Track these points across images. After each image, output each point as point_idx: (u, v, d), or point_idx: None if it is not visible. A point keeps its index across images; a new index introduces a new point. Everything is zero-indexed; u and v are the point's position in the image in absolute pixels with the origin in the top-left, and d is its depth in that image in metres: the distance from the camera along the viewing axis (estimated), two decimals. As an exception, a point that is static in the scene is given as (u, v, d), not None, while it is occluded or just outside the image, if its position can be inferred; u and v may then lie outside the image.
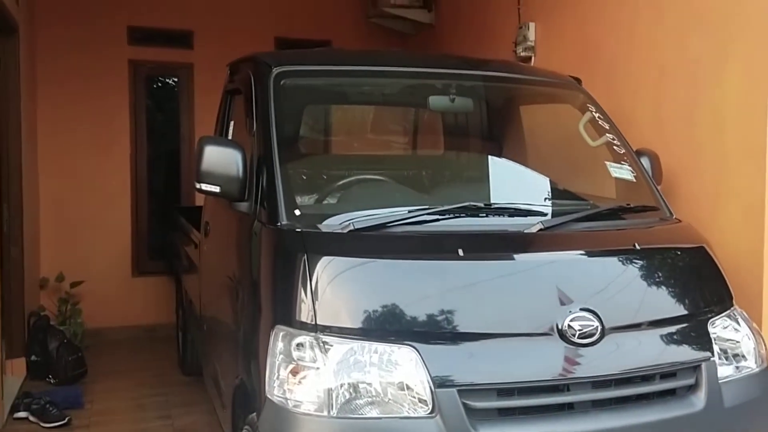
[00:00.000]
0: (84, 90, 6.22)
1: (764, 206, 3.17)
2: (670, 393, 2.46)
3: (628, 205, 2.98)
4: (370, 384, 2.20)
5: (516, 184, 3.25)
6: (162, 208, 6.62)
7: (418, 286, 2.35)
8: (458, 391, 2.19)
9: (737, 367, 2.60)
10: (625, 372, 2.38)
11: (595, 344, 2.36)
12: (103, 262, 6.28)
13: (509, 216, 2.75)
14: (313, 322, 2.27)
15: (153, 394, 4.90)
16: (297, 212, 2.63)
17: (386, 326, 2.26)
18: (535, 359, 2.31)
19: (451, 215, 2.64)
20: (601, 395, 2.33)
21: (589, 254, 2.60)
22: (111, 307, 6.21)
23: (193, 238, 4.40)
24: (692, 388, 2.48)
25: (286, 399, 2.24)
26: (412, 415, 2.17)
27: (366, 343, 2.23)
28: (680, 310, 2.59)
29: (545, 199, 3.05)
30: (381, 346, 2.23)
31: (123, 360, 5.70)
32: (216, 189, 2.80)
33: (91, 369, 5.25)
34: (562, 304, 2.39)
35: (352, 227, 2.49)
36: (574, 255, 2.59)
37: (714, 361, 2.53)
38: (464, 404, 2.18)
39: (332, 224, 2.55)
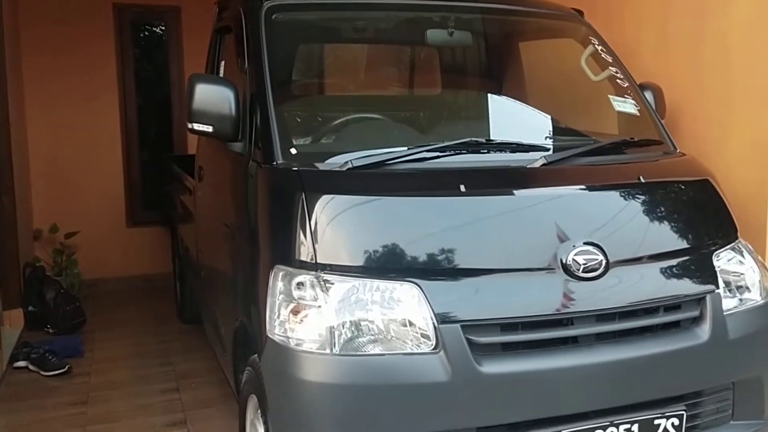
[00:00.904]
0: (69, 37, 6.03)
1: (770, 139, 3.12)
2: (674, 325, 2.44)
3: (631, 139, 2.92)
4: (372, 321, 2.16)
5: (517, 122, 3.17)
6: (154, 157, 6.52)
7: (420, 222, 2.29)
8: (462, 326, 2.16)
9: (741, 300, 2.58)
10: (629, 305, 2.35)
11: (599, 278, 2.32)
12: (96, 213, 6.20)
13: (511, 152, 2.69)
14: (314, 261, 2.23)
15: (153, 342, 4.89)
16: (293, 151, 2.56)
17: (388, 263, 2.21)
18: (539, 294, 2.27)
19: (452, 152, 2.57)
20: (605, 328, 2.31)
21: (593, 188, 2.54)
22: (106, 257, 6.16)
23: (187, 185, 4.32)
24: (696, 320, 2.46)
25: (288, 338, 2.21)
26: (416, 351, 2.14)
27: (368, 281, 2.19)
28: (685, 243, 2.55)
29: (547, 135, 2.98)
30: (383, 283, 2.19)
31: (121, 310, 5.69)
32: (209, 129, 2.71)
33: (89, 319, 5.23)
34: (566, 238, 2.34)
35: (350, 165, 2.42)
36: (578, 189, 2.53)
37: (718, 293, 2.50)
38: (468, 339, 2.15)
39: (330, 163, 2.48)
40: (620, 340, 2.33)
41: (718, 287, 2.51)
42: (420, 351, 2.14)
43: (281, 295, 2.28)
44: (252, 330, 2.53)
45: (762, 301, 2.62)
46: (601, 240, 2.36)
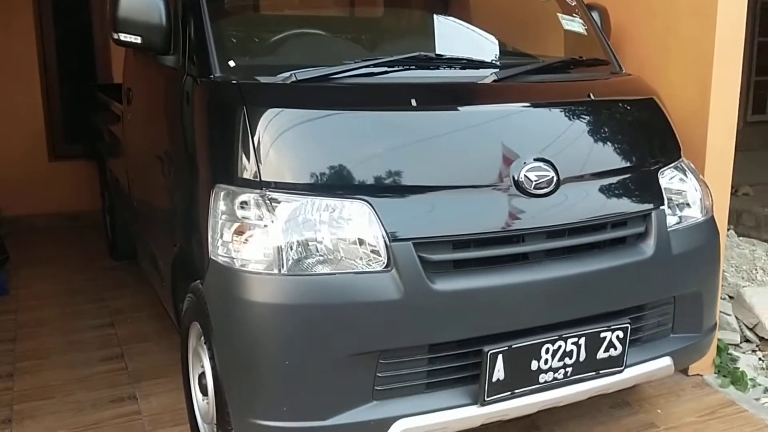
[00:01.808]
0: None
1: (712, 60, 3.13)
2: (621, 241, 2.45)
3: (580, 58, 2.87)
4: (321, 241, 2.08)
5: (463, 41, 3.07)
6: (77, 88, 6.13)
7: (370, 138, 2.20)
8: (414, 244, 2.10)
9: (683, 217, 2.61)
10: (578, 222, 2.35)
11: (550, 195, 2.30)
12: (15, 148, 5.82)
13: (461, 68, 2.61)
14: (258, 179, 2.11)
15: (83, 279, 4.68)
16: (231, 63, 2.41)
17: (337, 181, 2.12)
18: (491, 211, 2.23)
19: (401, 66, 2.47)
20: (555, 245, 2.30)
21: (544, 105, 2.49)
22: (28, 193, 5.82)
23: (115, 111, 4.07)
24: (642, 236, 2.48)
25: (232, 259, 2.11)
26: (367, 269, 2.08)
27: (316, 199, 2.10)
28: (632, 161, 2.55)
29: (495, 54, 2.90)
30: (332, 201, 2.10)
31: (47, 247, 5.42)
32: (137, 39, 2.52)
33: (13, 257, 4.96)
34: (518, 155, 2.30)
35: (294, 79, 2.29)
36: (529, 106, 2.47)
37: (663, 210, 2.53)
38: (420, 257, 2.10)
39: (272, 76, 2.34)
40: (569, 257, 2.33)
41: (663, 204, 2.53)
42: (371, 270, 2.08)
43: (224, 216, 2.16)
44: (193, 255, 2.41)
45: (702, 219, 2.66)
46: (552, 156, 2.33)
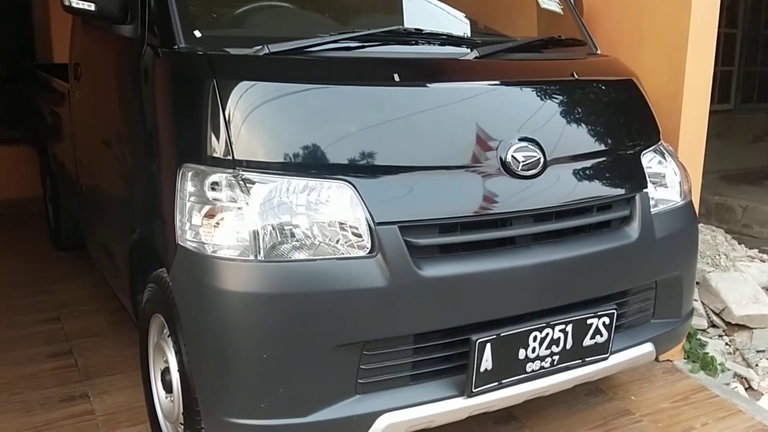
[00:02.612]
0: None
1: (686, 46, 3.09)
2: (606, 225, 2.38)
3: (559, 37, 2.78)
4: (300, 225, 1.93)
5: (439, 18, 2.94)
6: (13, 68, 5.77)
7: (350, 115, 2.06)
8: (399, 227, 1.98)
9: (663, 200, 2.56)
10: (565, 205, 2.26)
11: (537, 177, 2.20)
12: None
13: (440, 45, 2.48)
14: (230, 158, 1.95)
15: (25, 271, 4.39)
16: (197, 34, 2.22)
17: (316, 160, 1.97)
18: (478, 193, 2.12)
19: (379, 41, 2.33)
20: (542, 228, 2.20)
21: (530, 83, 2.39)
22: (-39, 181, 5.47)
23: (59, 90, 3.80)
24: (626, 220, 2.41)
25: (203, 244, 1.94)
26: (350, 255, 1.94)
27: (294, 180, 1.95)
28: (615, 143, 2.48)
29: (471, 32, 2.79)
30: (312, 182, 1.96)
31: (-17, 238, 5.08)
32: (90, 6, 2.31)
33: (-54, 248, 4.63)
34: (505, 134, 2.20)
35: (267, 50, 2.12)
36: (515, 84, 2.37)
37: (647, 193, 2.47)
38: (406, 242, 1.98)
39: (242, 48, 2.17)
40: (555, 241, 2.24)
41: (646, 187, 2.47)
42: (355, 255, 1.94)
43: (192, 198, 1.99)
44: (155, 241, 2.23)
45: (682, 202, 2.62)
46: (538, 137, 2.24)
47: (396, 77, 2.13)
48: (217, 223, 1.94)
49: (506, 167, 2.15)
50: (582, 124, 2.41)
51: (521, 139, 2.20)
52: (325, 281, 1.92)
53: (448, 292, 2.02)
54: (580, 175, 2.34)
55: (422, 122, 2.12)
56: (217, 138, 1.97)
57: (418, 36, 2.44)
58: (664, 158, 2.65)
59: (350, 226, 1.96)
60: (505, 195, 2.15)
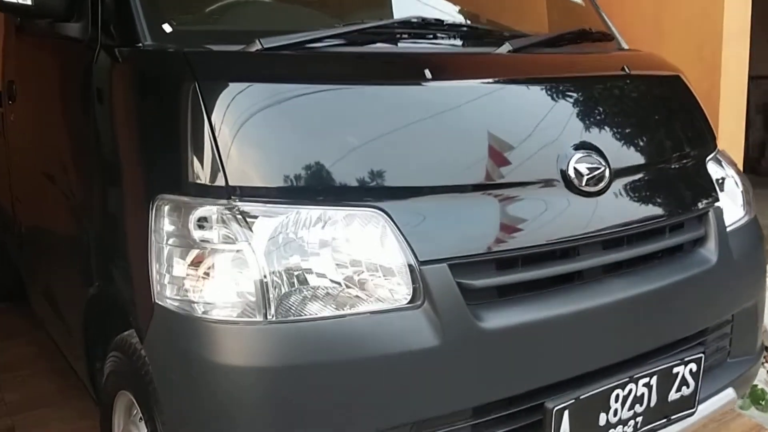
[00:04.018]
0: None
1: (721, 39, 2.74)
2: (678, 249, 1.96)
3: (590, 29, 2.37)
4: (319, 270, 1.44)
5: (445, 10, 2.50)
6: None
7: (378, 121, 1.58)
8: (450, 266, 1.50)
9: (730, 216, 2.16)
10: (636, 226, 1.82)
11: (602, 192, 1.77)
12: None
13: (461, 38, 2.04)
14: (222, 184, 1.45)
15: (-47, 329, 3.75)
16: (166, 28, 1.72)
17: (336, 182, 1.49)
18: (539, 216, 1.67)
19: (391, 34, 1.87)
20: (614, 257, 1.76)
21: (578, 80, 1.96)
22: None
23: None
24: (700, 241, 1.99)
25: (191, 303, 1.43)
26: (389, 306, 1.46)
27: (308, 209, 1.46)
28: (680, 149, 2.07)
29: (489, 23, 2.37)
30: (333, 212, 1.47)
31: None
32: (26, 1, 1.79)
33: None
34: (561, 142, 1.76)
35: (260, 46, 1.64)
36: (562, 81, 1.93)
37: (720, 207, 2.06)
38: (459, 284, 1.50)
39: (225, 44, 1.69)
40: (628, 272, 1.80)
41: (718, 200, 2.06)
42: (395, 306, 1.46)
43: (172, 240, 1.48)
44: (120, 297, 1.71)
45: (748, 217, 2.22)
46: (600, 144, 1.81)
47: (427, 73, 1.67)
48: (208, 273, 1.43)
49: (568, 182, 1.71)
50: (643, 127, 1.99)
51: (581, 147, 1.77)
52: (359, 345, 1.43)
53: (516, 346, 1.56)
54: (648, 189, 1.91)
55: (464, 129, 1.66)
56: (203, 159, 1.47)
57: (437, 28, 1.99)
58: (723, 166, 2.25)
59: (386, 268, 1.47)
60: (570, 217, 1.71)
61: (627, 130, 1.93)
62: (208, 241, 1.44)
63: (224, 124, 1.47)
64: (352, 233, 1.47)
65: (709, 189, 2.06)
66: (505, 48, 1.97)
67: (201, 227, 1.45)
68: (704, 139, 2.20)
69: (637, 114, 2.00)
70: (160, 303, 1.47)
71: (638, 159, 1.91)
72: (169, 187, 1.51)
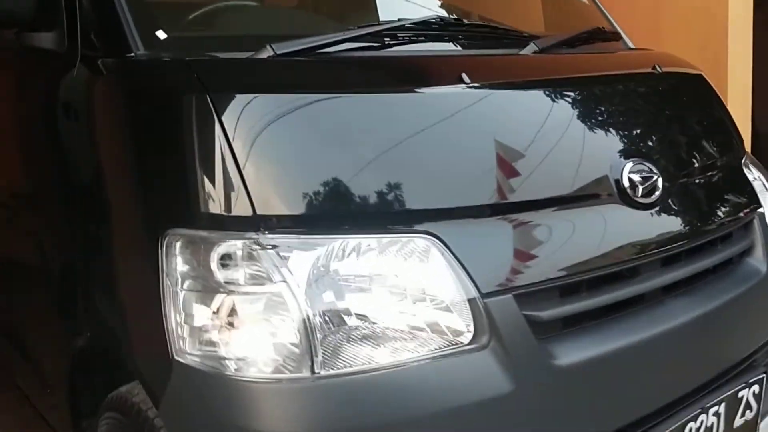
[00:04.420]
0: None
1: (726, 32, 2.64)
2: (729, 262, 1.81)
3: (602, 29, 2.22)
4: (372, 307, 1.23)
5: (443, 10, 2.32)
6: None
7: (419, 132, 1.37)
8: (515, 296, 1.31)
9: None
10: (690, 239, 1.66)
11: (655, 204, 1.60)
12: None
13: (481, 39, 1.86)
14: (249, 213, 1.22)
15: None
16: (161, 35, 1.48)
17: (382, 204, 1.28)
18: (598, 234, 1.49)
19: (407, 36, 1.67)
20: (674, 276, 1.59)
21: (614, 80, 1.80)
22: None
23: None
24: (749, 251, 1.85)
25: (220, 359, 1.19)
26: (453, 349, 1.25)
27: (353, 238, 1.24)
28: (718, 153, 1.93)
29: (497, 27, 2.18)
30: (379, 240, 1.26)
31: None
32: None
33: None
34: (611, 149, 1.59)
35: (271, 52, 1.42)
36: (599, 82, 1.76)
37: (763, 213, 1.92)
38: (526, 317, 1.31)
39: (231, 51, 1.47)
40: (687, 290, 1.64)
41: (760, 206, 1.93)
42: (460, 348, 1.26)
43: (188, 283, 1.24)
44: (118, 349, 1.45)
45: (780, 223, 2.09)
46: (648, 150, 1.65)
47: (464, 77, 1.47)
48: (238, 322, 1.20)
49: (623, 193, 1.54)
50: (683, 130, 1.85)
51: (631, 154, 1.60)
52: (423, 398, 1.22)
53: (592, 384, 1.37)
54: (696, 197, 1.76)
55: (512, 139, 1.46)
56: (222, 184, 1.24)
57: (456, 28, 1.81)
58: (751, 170, 2.12)
59: (445, 302, 1.27)
60: (628, 233, 1.54)
61: (669, 134, 1.78)
62: (234, 283, 1.21)
63: (246, 142, 1.24)
64: (402, 263, 1.26)
65: (750, 194, 1.92)
66: (530, 49, 1.80)
67: (225, 266, 1.22)
68: (737, 141, 2.07)
69: (675, 116, 1.85)
70: (180, 360, 1.22)
71: (684, 165, 1.76)
72: (181, 220, 1.27)
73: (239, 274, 1.21)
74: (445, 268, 1.27)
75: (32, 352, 2.03)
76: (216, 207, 1.24)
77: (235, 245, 1.22)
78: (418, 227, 1.29)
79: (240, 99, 1.27)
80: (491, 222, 1.35)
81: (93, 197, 1.49)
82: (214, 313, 1.21)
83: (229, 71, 1.38)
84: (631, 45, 2.38)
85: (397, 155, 1.33)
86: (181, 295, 1.24)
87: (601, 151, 1.58)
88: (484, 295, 1.27)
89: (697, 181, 1.77)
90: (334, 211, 1.25)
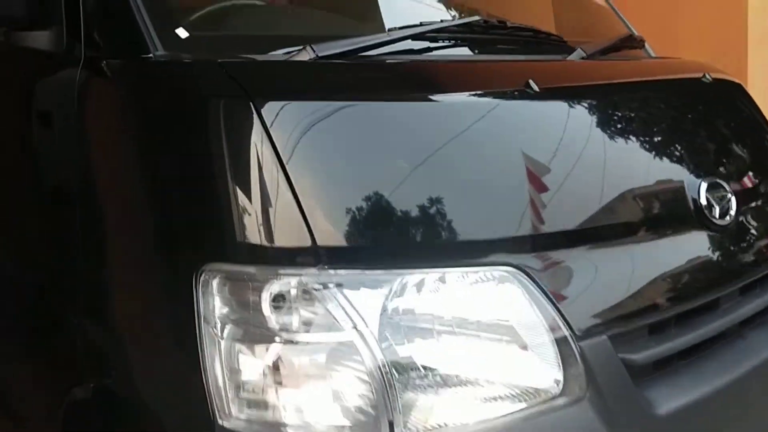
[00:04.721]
0: None
1: (746, 43, 2.54)
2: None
3: (632, 35, 2.08)
4: (453, 354, 1.04)
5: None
6: None
7: (496, 148, 1.19)
8: (610, 337, 1.13)
9: None
10: (762, 264, 1.52)
11: (731, 226, 1.45)
12: None
13: (522, 43, 1.69)
14: (308, 245, 1.01)
15: None
16: (182, 33, 1.27)
17: (459, 232, 1.09)
18: (682, 262, 1.33)
19: (458, 36, 1.50)
20: (755, 306, 1.44)
21: (671, 88, 1.66)
22: None
23: None
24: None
25: (278, 426, 0.98)
26: (550, 404, 1.06)
27: (429, 273, 1.05)
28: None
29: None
30: (456, 274, 1.07)
31: None
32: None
33: None
34: (683, 165, 1.44)
35: (312, 54, 1.22)
36: (659, 90, 1.61)
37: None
38: (623, 361, 1.13)
39: (261, 52, 1.27)
40: (763, 321, 1.48)
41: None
42: (555, 401, 1.07)
43: (232, 329, 1.03)
44: (131, 404, 1.22)
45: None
46: (716, 164, 1.51)
47: (533, 85, 1.30)
48: (295, 379, 0.99)
49: (700, 215, 1.38)
50: (741, 141, 1.70)
51: (703, 170, 1.45)
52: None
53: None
54: (763, 217, 1.62)
55: (592, 154, 1.29)
56: (274, 210, 1.03)
57: (499, 31, 1.63)
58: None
59: (536, 346, 1.08)
60: (709, 259, 1.38)
61: (730, 146, 1.64)
62: (290, 330, 1.00)
63: (302, 158, 1.04)
64: (485, 300, 1.07)
65: None
66: (578, 54, 1.64)
67: (278, 309, 1.01)
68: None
69: (731, 127, 1.71)
70: (224, 425, 1.00)
71: (747, 180, 1.61)
72: (222, 253, 1.05)
73: (296, 318, 1.01)
74: (533, 305, 1.09)
75: (9, 401, 1.77)
76: (266, 237, 1.03)
77: (290, 283, 1.01)
78: (499, 258, 1.10)
79: (292, 108, 1.07)
80: (579, 250, 1.17)
81: (101, 226, 1.26)
82: (268, 367, 1.00)
83: (272, 75, 1.18)
84: (652, 53, 2.26)
85: (473, 173, 1.14)
86: (223, 345, 1.03)
87: (677, 166, 1.43)
88: (578, 337, 1.09)
89: (760, 198, 1.63)
90: (407, 240, 1.06)
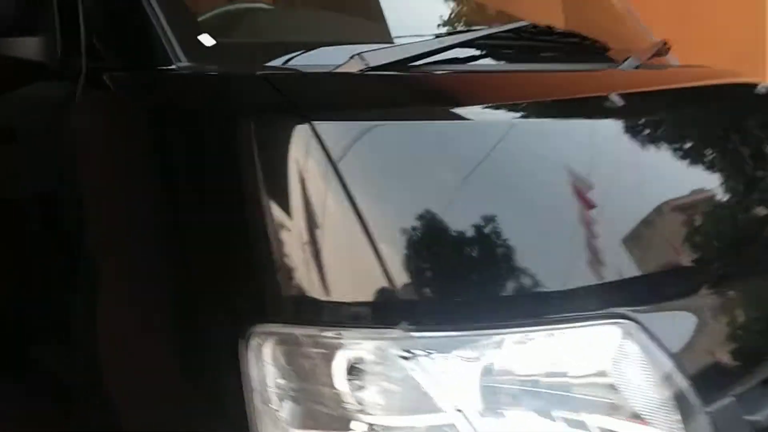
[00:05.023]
0: None
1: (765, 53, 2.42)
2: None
3: (665, 44, 1.94)
4: (559, 425, 0.85)
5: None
6: None
7: (591, 174, 1.01)
8: (736, 397, 0.95)
9: None
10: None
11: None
12: None
13: (570, 51, 1.53)
14: (388, 298, 0.81)
15: None
16: (206, 40, 1.06)
17: (557, 279, 0.90)
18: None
19: (510, 44, 1.33)
20: None
21: (733, 99, 1.52)
22: None
23: None
24: None
25: None
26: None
27: (534, 330, 0.86)
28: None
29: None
30: (558, 332, 0.88)
31: None
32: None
33: None
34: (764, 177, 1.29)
35: (362, 64, 1.03)
36: (721, 101, 1.47)
37: None
38: (751, 425, 0.96)
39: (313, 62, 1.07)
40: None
41: None
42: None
43: (291, 407, 0.82)
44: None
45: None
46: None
47: (614, 99, 1.12)
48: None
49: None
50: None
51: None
52: None
53: None
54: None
55: (700, 179, 1.12)
56: (343, 254, 0.83)
57: (548, 37, 1.47)
58: None
59: (655, 412, 0.90)
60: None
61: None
62: (370, 407, 0.80)
63: (375, 194, 0.84)
64: (593, 363, 0.89)
65: None
66: (631, 63, 1.49)
67: (353, 378, 0.81)
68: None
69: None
70: None
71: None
72: (275, 311, 0.85)
73: (377, 392, 0.80)
74: (651, 364, 0.90)
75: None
76: (333, 291, 0.83)
77: (368, 348, 0.81)
78: (607, 308, 0.91)
79: (357, 129, 0.87)
80: (694, 296, 0.99)
81: (111, 274, 1.03)
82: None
83: (326, 91, 0.98)
84: (674, 60, 2.14)
85: (570, 206, 0.95)
86: (282, 424, 0.82)
87: (760, 186, 1.27)
88: (705, 402, 0.91)
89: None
90: (505, 291, 0.87)
